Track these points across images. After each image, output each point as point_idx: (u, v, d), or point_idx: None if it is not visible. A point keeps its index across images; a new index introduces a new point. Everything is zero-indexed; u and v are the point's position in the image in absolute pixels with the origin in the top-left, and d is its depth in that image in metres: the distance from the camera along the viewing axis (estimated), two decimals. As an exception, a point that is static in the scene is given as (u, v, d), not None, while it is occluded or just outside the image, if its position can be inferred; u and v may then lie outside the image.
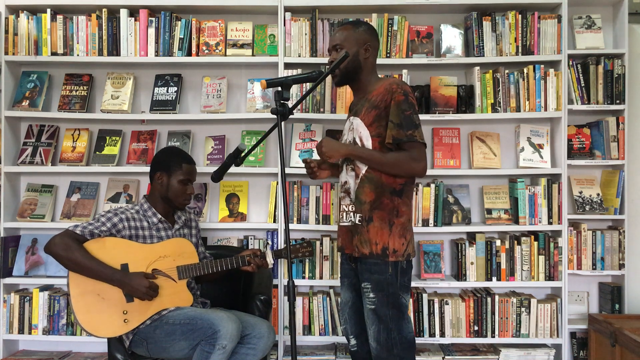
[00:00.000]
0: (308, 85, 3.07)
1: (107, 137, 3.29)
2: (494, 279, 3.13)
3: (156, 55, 3.17)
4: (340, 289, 2.49)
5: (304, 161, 2.57)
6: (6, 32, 3.19)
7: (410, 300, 3.10)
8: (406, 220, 2.27)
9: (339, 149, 2.30)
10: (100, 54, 3.18)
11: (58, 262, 2.41)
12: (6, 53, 3.18)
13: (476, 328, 3.12)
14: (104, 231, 2.44)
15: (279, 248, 3.07)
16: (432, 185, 3.12)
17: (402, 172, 2.23)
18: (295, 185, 3.17)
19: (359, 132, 2.29)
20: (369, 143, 2.26)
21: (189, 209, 2.80)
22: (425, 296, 3.12)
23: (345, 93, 3.14)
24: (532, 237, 3.14)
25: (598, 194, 3.21)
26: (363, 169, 2.27)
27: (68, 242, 2.37)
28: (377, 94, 2.28)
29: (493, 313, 3.11)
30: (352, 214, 2.30)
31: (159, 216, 2.57)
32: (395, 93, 2.22)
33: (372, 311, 2.24)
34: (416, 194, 3.11)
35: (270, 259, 2.63)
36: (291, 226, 3.14)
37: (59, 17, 3.19)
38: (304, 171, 3.16)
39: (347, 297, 2.43)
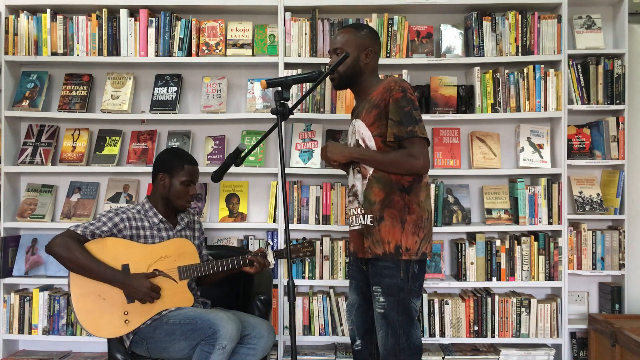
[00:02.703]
0: (308, 85, 3.07)
1: (107, 137, 3.28)
2: (494, 279, 3.12)
3: (156, 55, 3.17)
4: (348, 290, 2.49)
5: None
6: (6, 32, 3.18)
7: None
8: (418, 218, 2.23)
9: (342, 152, 2.31)
10: (100, 54, 3.18)
11: (59, 262, 2.40)
12: (6, 53, 3.18)
13: (476, 328, 3.12)
14: (105, 231, 2.44)
15: (280, 248, 3.07)
16: (432, 185, 3.11)
17: (402, 170, 2.21)
18: (295, 185, 3.17)
19: (361, 134, 2.29)
20: (372, 143, 2.26)
21: (190, 210, 2.79)
22: (425, 296, 3.12)
23: (346, 93, 3.14)
24: (532, 237, 3.14)
25: (598, 194, 3.21)
26: (370, 169, 2.26)
27: (69, 243, 2.36)
28: (377, 93, 2.27)
29: (493, 313, 3.11)
30: (361, 216, 2.28)
31: (160, 216, 2.57)
32: (394, 90, 2.20)
33: (381, 315, 2.22)
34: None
35: (271, 259, 2.62)
36: (291, 226, 3.14)
37: (59, 17, 3.18)
38: (304, 171, 3.19)
39: (354, 300, 2.42)
